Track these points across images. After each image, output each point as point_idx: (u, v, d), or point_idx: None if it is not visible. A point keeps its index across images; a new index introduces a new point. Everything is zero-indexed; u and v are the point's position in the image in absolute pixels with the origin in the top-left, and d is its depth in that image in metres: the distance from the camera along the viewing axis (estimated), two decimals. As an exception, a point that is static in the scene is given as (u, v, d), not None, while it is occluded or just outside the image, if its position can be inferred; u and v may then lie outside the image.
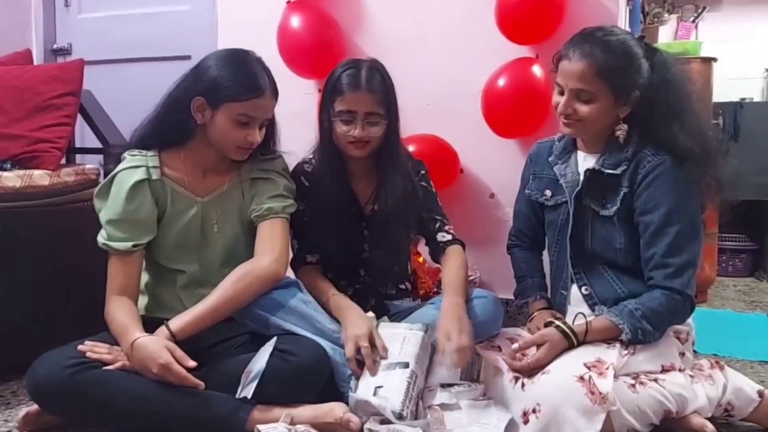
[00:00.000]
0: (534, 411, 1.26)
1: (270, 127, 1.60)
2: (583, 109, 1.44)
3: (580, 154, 1.58)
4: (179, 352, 1.32)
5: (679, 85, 1.47)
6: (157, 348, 1.31)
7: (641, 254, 1.46)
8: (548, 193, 1.62)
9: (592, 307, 1.52)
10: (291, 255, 1.67)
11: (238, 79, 1.47)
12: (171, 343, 1.33)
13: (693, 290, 1.42)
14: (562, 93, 1.46)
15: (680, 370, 1.41)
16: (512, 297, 1.79)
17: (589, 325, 1.40)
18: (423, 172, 1.75)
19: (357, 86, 1.56)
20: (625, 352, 1.37)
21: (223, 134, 1.49)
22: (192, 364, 1.32)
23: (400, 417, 1.31)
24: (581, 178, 1.54)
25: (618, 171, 1.47)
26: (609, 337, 1.40)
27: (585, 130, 1.49)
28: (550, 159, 1.61)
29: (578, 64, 1.42)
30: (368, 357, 1.41)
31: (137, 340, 1.33)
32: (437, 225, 1.71)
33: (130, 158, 1.53)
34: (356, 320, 1.48)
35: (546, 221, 1.66)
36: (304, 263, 1.68)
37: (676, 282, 1.40)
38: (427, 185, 1.75)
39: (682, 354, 1.46)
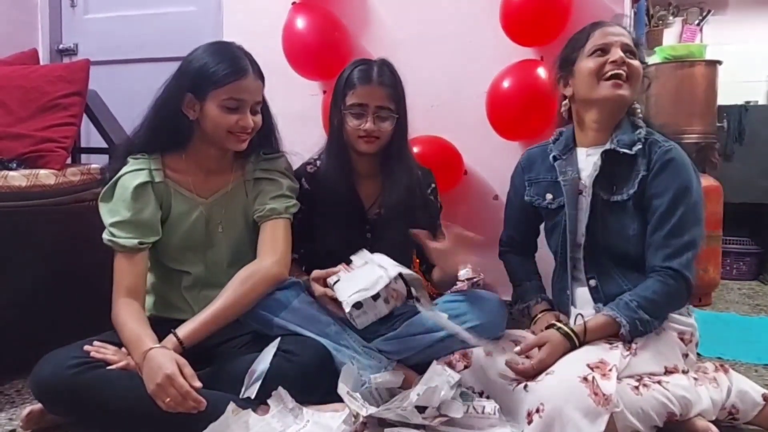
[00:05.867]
0: (537, 411, 1.25)
1: (267, 119, 1.59)
2: (635, 63, 1.50)
3: (581, 151, 1.58)
4: (189, 370, 1.28)
5: None
6: (165, 360, 1.27)
7: (647, 239, 1.47)
8: (549, 196, 1.62)
9: (597, 306, 1.51)
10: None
11: (218, 64, 1.46)
12: (182, 359, 1.30)
13: (692, 273, 1.42)
14: (604, 52, 1.49)
15: (684, 372, 1.41)
16: (515, 300, 1.78)
17: (587, 323, 1.41)
18: (433, 185, 1.75)
19: (369, 80, 1.59)
20: (627, 352, 1.37)
21: (215, 124, 1.48)
22: (198, 385, 1.27)
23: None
24: (580, 175, 1.55)
25: (633, 151, 1.48)
26: (609, 333, 1.40)
27: (634, 86, 1.51)
28: (554, 155, 1.61)
29: (618, 27, 1.52)
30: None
31: (150, 350, 1.31)
32: None
33: (132, 162, 1.53)
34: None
35: (549, 224, 1.65)
36: None
37: (675, 262, 1.40)
38: (435, 200, 1.75)
39: (686, 355, 1.46)
